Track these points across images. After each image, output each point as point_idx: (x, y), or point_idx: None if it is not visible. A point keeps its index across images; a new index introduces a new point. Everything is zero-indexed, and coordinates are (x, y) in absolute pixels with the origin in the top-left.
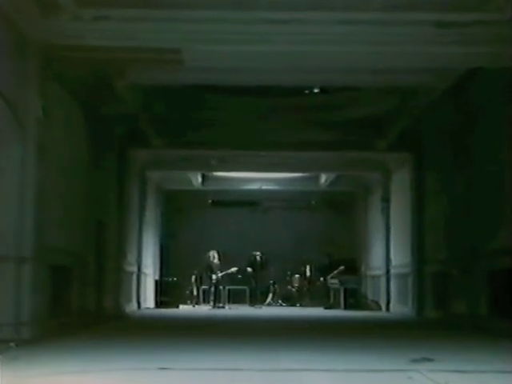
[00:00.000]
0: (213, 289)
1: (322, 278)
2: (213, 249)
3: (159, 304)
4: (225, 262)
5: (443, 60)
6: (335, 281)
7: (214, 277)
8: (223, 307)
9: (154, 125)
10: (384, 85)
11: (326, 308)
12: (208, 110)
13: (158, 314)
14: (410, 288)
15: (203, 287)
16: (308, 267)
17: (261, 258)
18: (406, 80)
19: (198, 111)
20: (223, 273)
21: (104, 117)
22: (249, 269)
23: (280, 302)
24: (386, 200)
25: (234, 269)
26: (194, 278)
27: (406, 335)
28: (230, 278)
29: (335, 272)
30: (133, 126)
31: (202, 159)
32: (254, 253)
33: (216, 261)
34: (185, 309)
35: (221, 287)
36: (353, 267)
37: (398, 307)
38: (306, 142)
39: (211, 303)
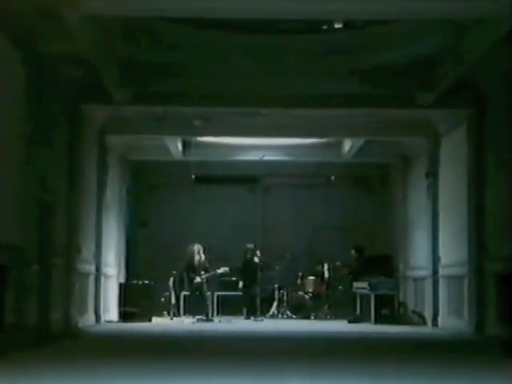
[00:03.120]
0: (197, 295)
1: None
2: (197, 241)
3: (125, 316)
4: (213, 260)
5: None
6: (364, 285)
7: (198, 279)
8: (211, 320)
9: (117, 71)
10: (430, 17)
11: (350, 321)
12: (190, 52)
13: (123, 330)
14: (465, 295)
15: (184, 293)
16: (326, 266)
17: (246, 253)
18: (461, 9)
19: (175, 53)
20: (211, 273)
21: (48, 60)
22: (255, 259)
23: (288, 312)
24: (432, 175)
25: (225, 268)
26: (171, 280)
27: (460, 360)
28: (221, 281)
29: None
30: (87, 73)
31: (182, 119)
32: (248, 246)
33: (201, 258)
34: (159, 322)
35: (208, 293)
36: (387, 266)
37: (450, 321)
38: (324, 96)
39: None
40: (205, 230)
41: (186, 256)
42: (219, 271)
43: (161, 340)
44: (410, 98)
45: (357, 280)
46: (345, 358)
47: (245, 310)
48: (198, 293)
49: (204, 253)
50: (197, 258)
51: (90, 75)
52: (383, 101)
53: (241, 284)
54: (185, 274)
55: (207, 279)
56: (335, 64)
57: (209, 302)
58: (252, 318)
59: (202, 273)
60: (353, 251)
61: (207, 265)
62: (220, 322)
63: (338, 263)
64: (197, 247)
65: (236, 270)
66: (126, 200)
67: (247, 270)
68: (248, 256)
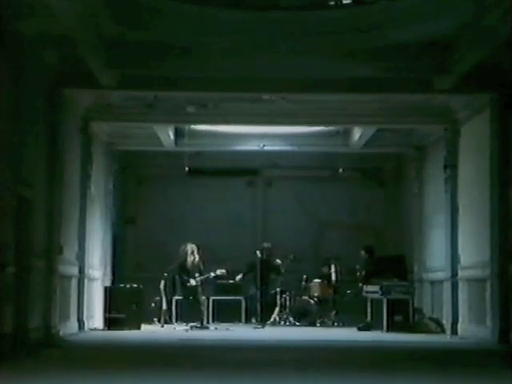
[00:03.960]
0: (191, 300)
1: (361, 284)
2: (190, 240)
3: (111, 323)
4: (208, 261)
5: None
6: (375, 288)
7: (192, 282)
8: (207, 327)
9: (102, 52)
10: None
11: (360, 329)
12: (183, 31)
13: (109, 339)
14: (488, 300)
15: (177, 298)
16: (333, 268)
17: (262, 253)
18: None
19: (168, 32)
20: (206, 276)
21: (25, 39)
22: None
23: (291, 319)
24: (451, 167)
25: (221, 270)
26: (162, 283)
27: (483, 373)
28: (217, 284)
29: None
30: (70, 54)
31: (175, 105)
32: (265, 245)
33: (195, 258)
34: (149, 330)
35: (203, 298)
36: (401, 268)
37: (471, 328)
38: (331, 80)
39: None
40: (199, 228)
41: (178, 257)
42: (214, 274)
43: (151, 350)
44: (426, 81)
45: (367, 283)
46: (354, 369)
47: (258, 317)
48: (191, 297)
49: (198, 253)
50: (190, 258)
51: (73, 56)
52: (396, 85)
53: (252, 289)
54: (177, 276)
55: (202, 282)
56: (343, 44)
57: (204, 308)
58: (252, 324)
59: (197, 275)
60: (362, 252)
61: (202, 266)
62: (216, 329)
63: (358, 266)
64: (190, 247)
65: (249, 270)
66: (112, 194)
67: (263, 272)
68: (264, 256)
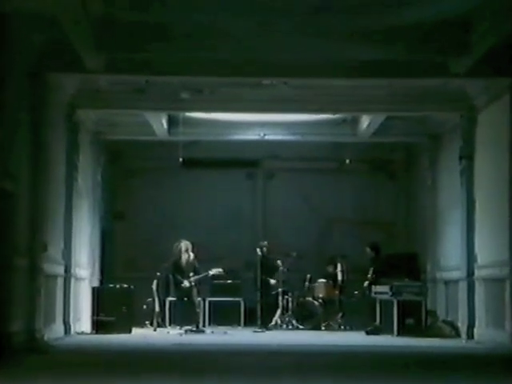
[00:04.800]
0: (186, 301)
1: (365, 284)
2: (185, 237)
3: (99, 326)
4: (204, 259)
5: None
6: (385, 289)
7: (186, 282)
8: (202, 331)
9: (89, 33)
10: None
11: (368, 332)
12: (177, 10)
13: (98, 344)
14: (507, 301)
15: (170, 299)
16: (339, 267)
17: (263, 251)
18: None
19: (160, 11)
20: (201, 276)
21: (7, 19)
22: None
23: (294, 322)
24: (467, 158)
25: (218, 270)
26: (155, 284)
27: (502, 381)
28: (214, 285)
29: None
30: (54, 35)
31: (168, 90)
32: (261, 243)
33: (190, 257)
34: (141, 334)
35: (198, 299)
36: (413, 267)
37: (488, 332)
38: (337, 64)
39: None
40: (194, 224)
41: (171, 255)
42: (211, 273)
43: (142, 355)
44: (440, 65)
45: (376, 283)
46: (361, 376)
47: (259, 320)
48: (186, 298)
49: (193, 251)
50: (185, 257)
51: (57, 37)
52: (408, 69)
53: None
54: (171, 276)
55: (197, 282)
56: (350, 24)
57: (199, 310)
58: (252, 328)
59: (191, 275)
60: (368, 249)
61: (197, 265)
62: (213, 333)
63: (371, 269)
64: (184, 244)
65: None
66: (100, 187)
67: (262, 271)
68: (264, 255)
